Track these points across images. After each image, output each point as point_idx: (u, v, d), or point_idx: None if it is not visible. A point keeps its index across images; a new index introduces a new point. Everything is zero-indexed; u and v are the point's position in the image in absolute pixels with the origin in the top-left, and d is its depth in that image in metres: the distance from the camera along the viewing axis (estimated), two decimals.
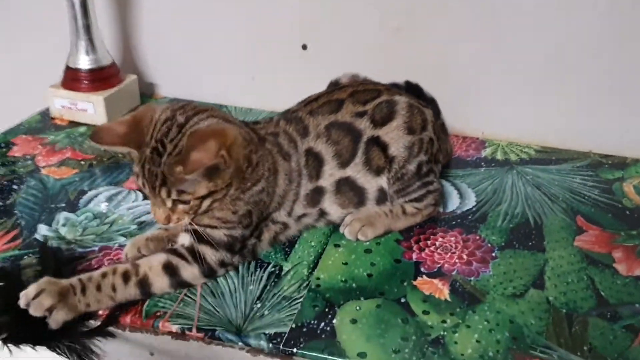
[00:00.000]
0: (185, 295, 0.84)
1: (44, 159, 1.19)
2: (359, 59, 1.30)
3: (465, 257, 0.94)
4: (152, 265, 0.84)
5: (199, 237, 0.86)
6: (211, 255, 0.86)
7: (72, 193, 1.08)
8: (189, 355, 0.80)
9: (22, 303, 0.76)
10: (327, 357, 0.75)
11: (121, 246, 0.94)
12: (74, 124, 1.35)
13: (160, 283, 0.84)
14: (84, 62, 1.34)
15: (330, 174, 0.95)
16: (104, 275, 0.81)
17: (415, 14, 1.26)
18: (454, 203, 1.09)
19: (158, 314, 0.81)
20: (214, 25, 1.40)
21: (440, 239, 0.98)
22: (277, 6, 1.34)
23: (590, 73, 1.22)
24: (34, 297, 0.76)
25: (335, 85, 1.07)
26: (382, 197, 0.99)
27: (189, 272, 0.85)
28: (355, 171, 0.96)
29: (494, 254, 0.95)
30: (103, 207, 1.04)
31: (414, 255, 0.94)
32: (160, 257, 0.85)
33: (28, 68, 1.55)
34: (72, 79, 1.35)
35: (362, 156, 0.96)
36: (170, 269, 0.84)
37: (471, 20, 1.24)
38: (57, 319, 0.76)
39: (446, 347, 0.77)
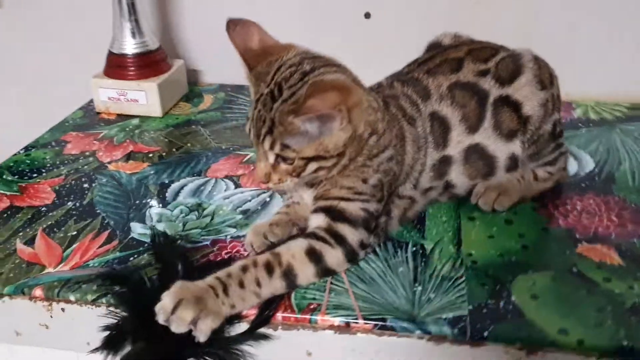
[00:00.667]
0: (332, 283, 0.73)
1: (105, 154, 1.06)
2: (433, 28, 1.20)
3: (615, 219, 0.85)
4: (295, 253, 0.72)
5: (334, 216, 0.75)
6: (352, 235, 0.75)
7: (153, 187, 0.95)
8: (356, 350, 0.68)
9: (160, 320, 0.64)
10: (522, 338, 0.65)
11: (234, 238, 0.82)
12: (122, 117, 1.22)
13: (305, 272, 0.72)
14: (130, 47, 1.21)
15: (458, 140, 0.85)
16: (244, 269, 0.69)
17: None
18: (572, 167, 0.99)
19: (312, 306, 0.69)
20: (262, 5, 1.29)
21: (578, 203, 0.89)
22: None
23: None
24: (173, 311, 0.64)
25: (436, 47, 0.96)
26: (512, 165, 0.88)
27: (334, 256, 0.74)
28: (485, 137, 0.85)
29: None
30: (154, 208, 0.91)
31: (561, 222, 0.85)
32: (301, 243, 0.74)
33: (63, 58, 1.41)
34: (117, 66, 1.22)
35: (491, 119, 0.85)
36: (314, 256, 0.73)
37: None
38: (204, 330, 0.64)
39: None
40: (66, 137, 1.13)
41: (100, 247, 0.81)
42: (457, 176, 0.86)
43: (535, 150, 0.87)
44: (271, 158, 0.73)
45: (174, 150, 1.08)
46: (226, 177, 0.99)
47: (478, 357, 0.66)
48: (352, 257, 0.76)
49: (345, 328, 0.68)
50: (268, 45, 0.78)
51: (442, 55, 0.89)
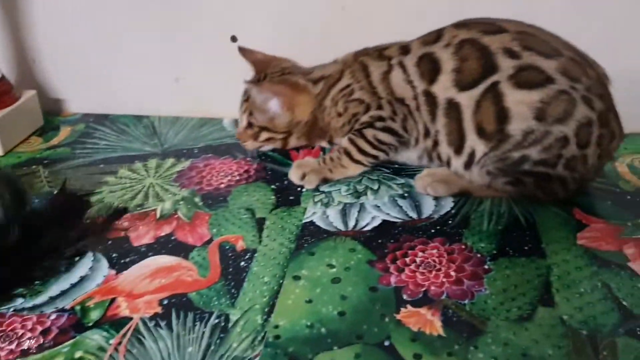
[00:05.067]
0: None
1: None
2: (308, 43, 1.12)
3: (453, 274, 0.77)
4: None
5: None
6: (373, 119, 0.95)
7: None
8: None
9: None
10: None
11: (17, 311, 0.72)
12: None
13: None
14: None
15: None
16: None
17: None
18: (428, 207, 0.91)
19: None
20: (123, 22, 1.19)
21: (420, 254, 0.81)
22: None
23: None
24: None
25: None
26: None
27: (368, 131, 0.96)
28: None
29: (486, 266, 0.78)
30: None
31: (393, 280, 0.76)
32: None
33: None
34: None
35: None
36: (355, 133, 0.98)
37: None
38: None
39: None
40: None
41: None
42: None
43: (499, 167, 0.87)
44: (244, 122, 1.02)
45: None
46: None
47: None
48: (381, 121, 0.94)
49: None
50: (268, 56, 1.05)
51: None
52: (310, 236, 0.86)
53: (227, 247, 0.84)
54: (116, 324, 0.71)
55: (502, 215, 0.88)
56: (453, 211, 0.90)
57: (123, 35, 1.20)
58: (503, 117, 0.83)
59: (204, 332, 0.69)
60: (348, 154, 0.98)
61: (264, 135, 1.01)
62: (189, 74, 1.22)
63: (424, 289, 0.75)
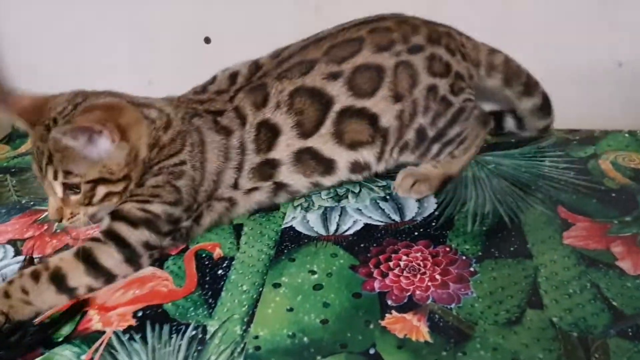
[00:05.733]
0: None
1: None
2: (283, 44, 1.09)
3: (438, 277, 0.74)
4: (63, 256, 0.74)
5: (113, 216, 0.77)
6: (129, 233, 0.75)
7: None
8: None
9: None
10: None
11: None
12: None
13: (75, 271, 0.72)
14: None
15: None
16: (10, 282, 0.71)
17: None
18: (411, 209, 0.89)
19: None
20: (94, 23, 1.15)
21: (404, 257, 0.78)
22: None
23: None
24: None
25: None
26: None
27: (106, 253, 0.74)
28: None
29: (472, 269, 0.76)
30: None
31: (376, 285, 0.74)
32: (73, 248, 0.75)
33: None
34: None
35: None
36: (84, 254, 0.73)
37: None
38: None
39: None
40: None
41: None
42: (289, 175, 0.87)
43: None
44: (58, 190, 0.74)
45: None
46: (9, 241, 0.85)
47: None
48: (131, 256, 0.75)
49: None
50: (39, 98, 0.78)
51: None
52: (290, 242, 0.83)
53: (203, 255, 0.81)
54: (88, 338, 0.68)
55: (486, 215, 0.86)
56: (436, 213, 0.88)
57: (93, 36, 1.16)
58: (373, 121, 0.86)
59: (180, 345, 0.66)
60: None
61: (101, 191, 0.74)
62: (163, 76, 1.18)
63: (408, 293, 0.72)
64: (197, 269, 0.78)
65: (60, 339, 0.68)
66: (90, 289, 0.73)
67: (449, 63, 0.88)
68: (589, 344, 0.63)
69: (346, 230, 0.85)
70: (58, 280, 0.71)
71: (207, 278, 0.76)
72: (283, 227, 0.86)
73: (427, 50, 0.86)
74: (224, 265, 0.79)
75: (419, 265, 0.77)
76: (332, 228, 0.85)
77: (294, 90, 0.84)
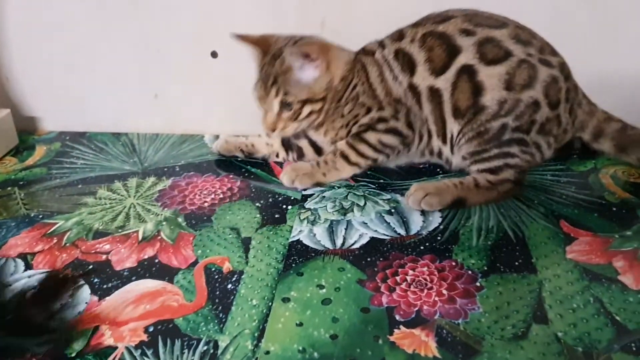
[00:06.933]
0: None
1: None
2: None
3: (445, 292, 0.76)
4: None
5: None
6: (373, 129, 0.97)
7: None
8: None
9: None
10: None
11: None
12: None
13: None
14: None
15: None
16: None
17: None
18: (416, 223, 0.90)
19: None
20: (99, 37, 1.16)
21: (410, 272, 0.80)
22: (176, 9, 1.11)
23: None
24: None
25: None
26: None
27: (371, 135, 0.98)
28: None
29: (478, 283, 0.77)
30: None
31: (384, 299, 0.75)
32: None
33: None
34: None
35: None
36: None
37: None
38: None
39: None
40: None
41: None
42: None
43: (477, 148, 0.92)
44: (276, 107, 0.94)
45: None
46: (20, 255, 0.85)
47: None
48: (383, 123, 0.96)
49: None
50: (265, 35, 0.98)
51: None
52: (298, 255, 0.84)
53: (213, 269, 0.82)
54: (100, 353, 0.69)
55: (490, 229, 0.88)
56: (441, 227, 0.89)
57: (99, 50, 1.17)
58: (477, 91, 0.90)
59: None
60: (345, 157, 0.99)
61: (306, 109, 0.95)
62: (169, 90, 1.20)
63: (416, 308, 0.73)
64: (206, 283, 0.79)
65: (73, 354, 0.69)
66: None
67: (560, 101, 0.90)
68: (594, 359, 0.65)
69: (353, 244, 0.86)
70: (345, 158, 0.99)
71: (217, 292, 0.77)
72: (290, 240, 0.87)
73: (553, 71, 0.89)
74: (233, 279, 0.80)
75: (425, 280, 0.78)
76: (339, 242, 0.87)
77: (426, 33, 0.93)
